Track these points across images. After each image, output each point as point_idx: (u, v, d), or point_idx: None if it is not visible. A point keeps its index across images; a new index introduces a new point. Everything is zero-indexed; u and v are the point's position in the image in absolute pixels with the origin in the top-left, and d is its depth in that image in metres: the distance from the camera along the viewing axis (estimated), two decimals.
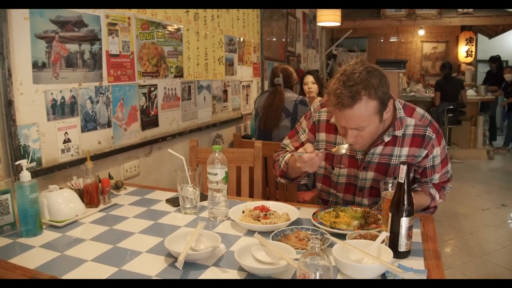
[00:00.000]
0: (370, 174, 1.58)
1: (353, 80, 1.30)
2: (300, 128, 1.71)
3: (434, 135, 1.51)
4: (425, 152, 1.51)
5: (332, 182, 1.69)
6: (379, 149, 1.53)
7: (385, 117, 1.41)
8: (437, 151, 1.53)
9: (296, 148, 1.67)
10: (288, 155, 1.66)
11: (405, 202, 1.13)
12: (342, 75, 1.34)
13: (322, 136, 1.64)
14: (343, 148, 1.45)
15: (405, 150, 1.52)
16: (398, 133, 1.50)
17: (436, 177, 1.59)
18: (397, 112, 1.50)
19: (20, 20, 1.54)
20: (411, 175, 1.59)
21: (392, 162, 1.53)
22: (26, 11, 1.55)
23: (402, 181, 1.14)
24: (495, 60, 7.42)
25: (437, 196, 1.58)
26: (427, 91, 7.09)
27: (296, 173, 1.62)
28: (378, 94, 1.32)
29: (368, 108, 1.32)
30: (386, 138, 1.50)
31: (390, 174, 1.54)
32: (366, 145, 1.49)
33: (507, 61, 9.28)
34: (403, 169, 1.14)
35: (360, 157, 1.57)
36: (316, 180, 1.77)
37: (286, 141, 1.76)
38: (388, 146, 1.52)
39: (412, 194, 1.42)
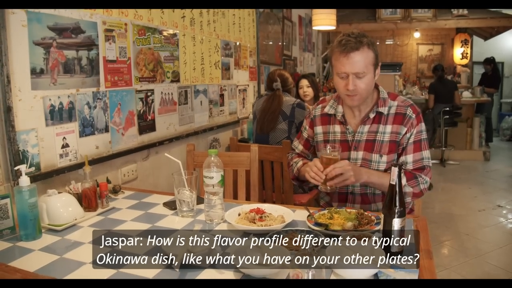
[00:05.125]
0: (360, 154, 1.69)
1: (354, 34, 1.56)
2: (303, 127, 1.92)
3: (414, 115, 1.66)
4: (405, 129, 1.65)
5: None
6: (366, 127, 1.69)
7: (376, 77, 1.62)
8: (414, 131, 1.65)
9: (303, 146, 1.90)
10: (301, 163, 1.82)
11: (397, 204, 1.15)
12: (343, 35, 1.57)
13: (319, 129, 1.81)
14: None
15: (388, 128, 1.66)
16: (382, 109, 1.67)
17: (410, 160, 1.65)
18: (381, 93, 1.71)
19: (18, 27, 1.56)
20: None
21: (377, 139, 1.67)
22: (24, 18, 1.58)
23: (394, 183, 1.17)
24: (490, 62, 7.43)
25: (404, 181, 1.57)
26: (423, 93, 7.13)
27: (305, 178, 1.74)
28: (374, 48, 1.58)
29: (369, 56, 1.57)
30: (372, 115, 1.67)
31: (376, 151, 1.66)
32: (362, 100, 1.63)
33: (502, 63, 9.33)
34: (395, 171, 1.16)
35: (351, 138, 1.70)
36: None
37: (296, 142, 1.95)
38: (374, 124, 1.68)
39: (380, 174, 1.54)
